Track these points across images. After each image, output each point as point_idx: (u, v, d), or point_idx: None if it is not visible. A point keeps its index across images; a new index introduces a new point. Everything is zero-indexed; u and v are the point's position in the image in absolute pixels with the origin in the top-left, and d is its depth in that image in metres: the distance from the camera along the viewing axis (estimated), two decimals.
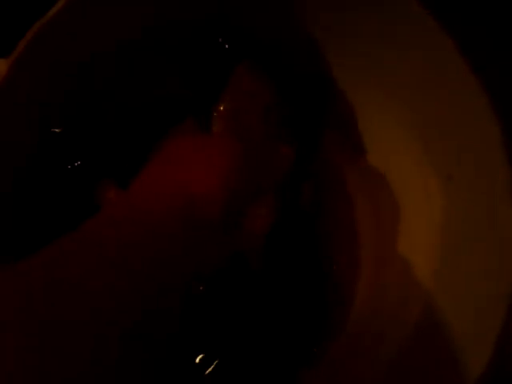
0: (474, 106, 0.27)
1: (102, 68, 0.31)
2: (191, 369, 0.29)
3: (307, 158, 0.34)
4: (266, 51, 0.33)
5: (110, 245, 0.22)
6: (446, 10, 0.27)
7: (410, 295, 0.31)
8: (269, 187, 0.29)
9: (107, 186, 0.31)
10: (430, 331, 0.29)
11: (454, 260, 0.29)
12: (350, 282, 0.34)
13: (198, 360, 0.30)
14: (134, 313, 0.20)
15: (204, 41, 0.33)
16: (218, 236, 0.25)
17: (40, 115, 0.29)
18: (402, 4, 0.28)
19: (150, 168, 0.27)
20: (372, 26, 0.30)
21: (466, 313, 0.28)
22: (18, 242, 0.28)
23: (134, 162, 0.32)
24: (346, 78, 0.34)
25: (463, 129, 0.28)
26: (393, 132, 0.32)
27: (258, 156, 0.29)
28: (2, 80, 0.26)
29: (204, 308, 0.29)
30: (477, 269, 0.28)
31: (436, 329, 0.29)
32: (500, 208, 0.27)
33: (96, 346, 0.19)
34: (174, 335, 0.23)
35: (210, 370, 0.30)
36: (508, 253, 0.26)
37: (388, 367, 0.30)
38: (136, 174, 0.29)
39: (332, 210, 0.35)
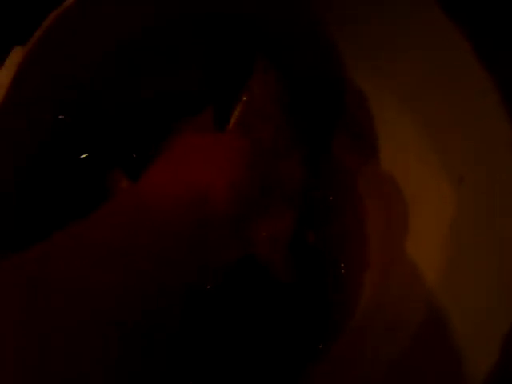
0: (487, 106, 0.27)
1: (111, 63, 0.31)
2: (193, 367, 0.29)
3: (318, 162, 0.34)
4: (277, 51, 0.33)
5: (116, 235, 0.22)
6: (446, 10, 0.27)
7: (416, 295, 0.31)
8: (281, 196, 0.29)
9: (119, 176, 0.31)
10: (435, 331, 0.29)
11: (461, 261, 0.29)
12: (356, 282, 0.34)
13: (200, 358, 0.30)
14: (134, 311, 0.20)
15: (210, 39, 0.33)
16: (225, 237, 0.25)
17: (51, 106, 0.30)
18: (413, 3, 0.28)
19: (159, 164, 0.27)
20: (384, 26, 0.30)
21: (472, 314, 0.28)
22: (26, 235, 0.28)
23: (143, 153, 0.33)
24: (357, 78, 0.33)
25: (475, 130, 0.28)
26: (404, 133, 0.32)
27: (268, 163, 0.29)
28: (17, 70, 0.26)
29: (209, 307, 0.29)
30: (484, 271, 0.28)
31: (441, 329, 0.28)
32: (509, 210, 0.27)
33: (96, 346, 0.19)
34: (174, 335, 0.23)
35: (212, 367, 0.30)
36: None
37: (391, 367, 0.30)
38: (144, 166, 0.29)
39: (342, 212, 0.35)
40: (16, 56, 0.26)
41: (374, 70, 0.32)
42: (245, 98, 0.31)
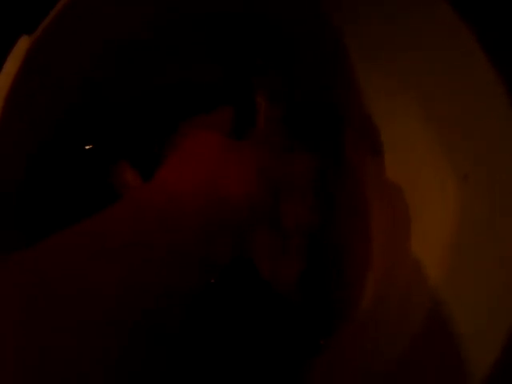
0: (491, 103, 0.27)
1: (118, 55, 0.31)
2: (194, 366, 0.29)
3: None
4: (279, 51, 0.33)
5: (121, 230, 0.22)
6: None
7: (419, 294, 0.31)
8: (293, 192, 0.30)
9: (124, 167, 0.31)
10: (438, 330, 0.29)
11: (464, 260, 0.29)
12: (359, 281, 0.34)
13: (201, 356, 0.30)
14: (134, 311, 0.20)
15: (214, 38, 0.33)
16: (229, 238, 0.26)
17: (57, 95, 0.29)
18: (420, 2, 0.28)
19: (173, 161, 0.27)
20: (386, 26, 0.30)
21: (474, 312, 0.28)
22: (34, 229, 0.28)
23: (148, 145, 0.32)
24: (364, 76, 0.33)
25: (479, 128, 0.28)
26: (410, 131, 0.32)
27: (278, 170, 0.29)
28: (24, 58, 0.26)
29: (209, 304, 0.29)
30: (488, 269, 0.28)
31: (443, 328, 0.28)
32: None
33: (96, 346, 0.19)
34: (174, 335, 0.23)
35: (213, 363, 0.30)
36: None
37: (392, 365, 0.30)
38: (150, 157, 0.29)
39: (346, 210, 0.35)
40: (23, 45, 0.26)
41: (380, 69, 0.32)
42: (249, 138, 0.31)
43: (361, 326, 0.33)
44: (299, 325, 0.33)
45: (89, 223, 0.22)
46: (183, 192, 0.25)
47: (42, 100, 0.28)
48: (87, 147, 0.32)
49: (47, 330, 0.18)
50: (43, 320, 0.18)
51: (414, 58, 0.30)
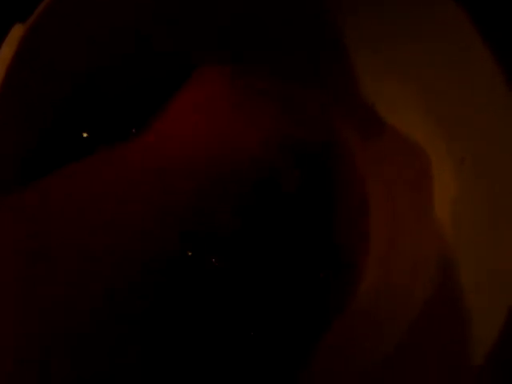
0: (493, 96, 0.27)
1: (113, 45, 0.30)
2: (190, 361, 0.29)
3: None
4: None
5: (122, 176, 0.21)
6: None
7: (420, 276, 0.31)
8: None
9: None
10: (440, 311, 0.29)
11: (464, 256, 0.29)
12: (357, 268, 0.33)
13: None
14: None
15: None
16: (233, 205, 0.24)
17: (52, 83, 0.29)
18: None
19: (173, 112, 0.25)
20: (389, 18, 0.30)
21: (476, 311, 0.28)
22: None
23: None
24: (363, 68, 0.33)
25: (481, 120, 0.28)
26: (410, 123, 0.32)
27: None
28: (18, 46, 0.26)
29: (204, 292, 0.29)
30: (488, 269, 0.28)
31: (446, 309, 0.29)
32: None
33: (96, 347, 0.18)
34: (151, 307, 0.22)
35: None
36: None
37: (394, 349, 0.30)
38: None
39: (342, 192, 0.35)
40: (17, 33, 0.26)
41: (380, 61, 0.32)
42: None
43: (360, 310, 0.32)
44: (296, 319, 0.33)
45: (84, 165, 0.21)
46: (178, 148, 0.23)
47: (36, 88, 0.28)
48: (83, 135, 0.32)
49: (47, 302, 0.17)
50: (42, 292, 0.18)
51: (414, 50, 0.30)
